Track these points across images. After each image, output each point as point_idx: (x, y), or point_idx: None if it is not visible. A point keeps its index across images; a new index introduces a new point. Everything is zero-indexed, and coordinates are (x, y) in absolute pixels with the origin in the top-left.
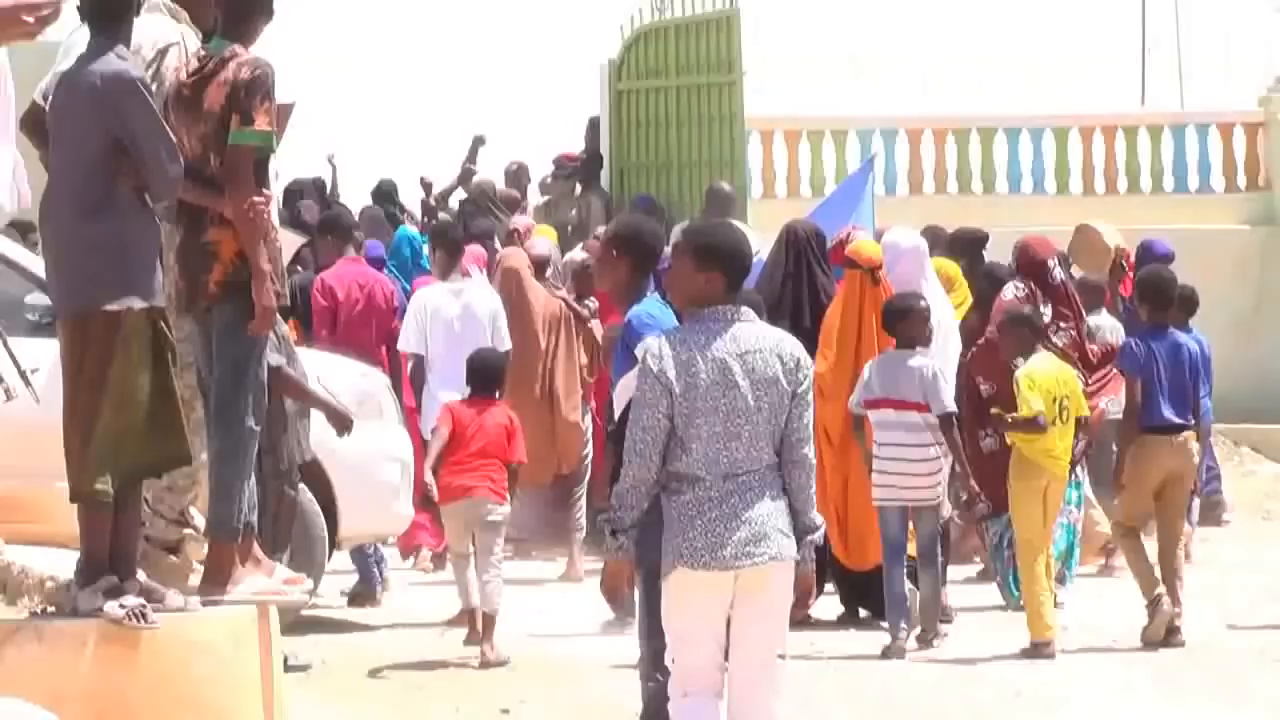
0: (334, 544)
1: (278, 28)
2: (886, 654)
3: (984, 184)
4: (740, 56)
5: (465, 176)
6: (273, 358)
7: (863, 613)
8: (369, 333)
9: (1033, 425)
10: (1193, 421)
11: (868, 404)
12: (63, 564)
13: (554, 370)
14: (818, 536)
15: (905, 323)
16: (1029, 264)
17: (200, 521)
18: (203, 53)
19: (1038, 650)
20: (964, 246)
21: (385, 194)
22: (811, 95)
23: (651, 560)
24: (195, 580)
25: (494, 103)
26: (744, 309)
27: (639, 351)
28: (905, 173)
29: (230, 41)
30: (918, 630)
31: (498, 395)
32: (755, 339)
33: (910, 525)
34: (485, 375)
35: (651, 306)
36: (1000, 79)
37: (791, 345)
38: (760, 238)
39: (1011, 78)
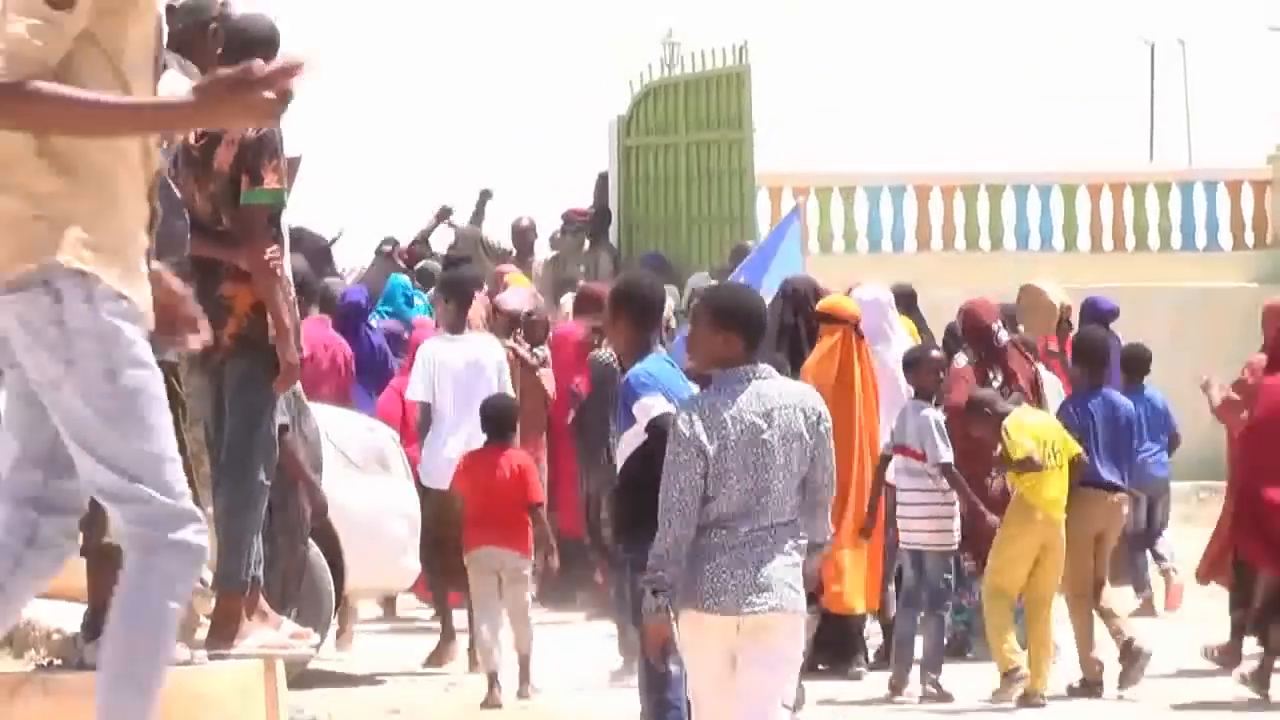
0: (340, 599)
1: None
2: (892, 692)
3: (992, 240)
4: (750, 112)
5: (442, 215)
6: (281, 416)
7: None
8: (326, 393)
9: (1029, 464)
10: (1125, 484)
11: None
12: (69, 617)
13: None
14: (826, 548)
15: (915, 372)
16: (974, 329)
17: (208, 575)
18: None
19: (1009, 682)
20: (896, 303)
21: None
22: (820, 151)
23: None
24: (202, 634)
25: (504, 157)
26: (764, 366)
27: (642, 410)
28: (913, 229)
29: None
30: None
31: (513, 439)
32: (779, 395)
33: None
34: (499, 421)
35: (652, 365)
36: (1009, 136)
37: (813, 400)
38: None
39: (1020, 134)
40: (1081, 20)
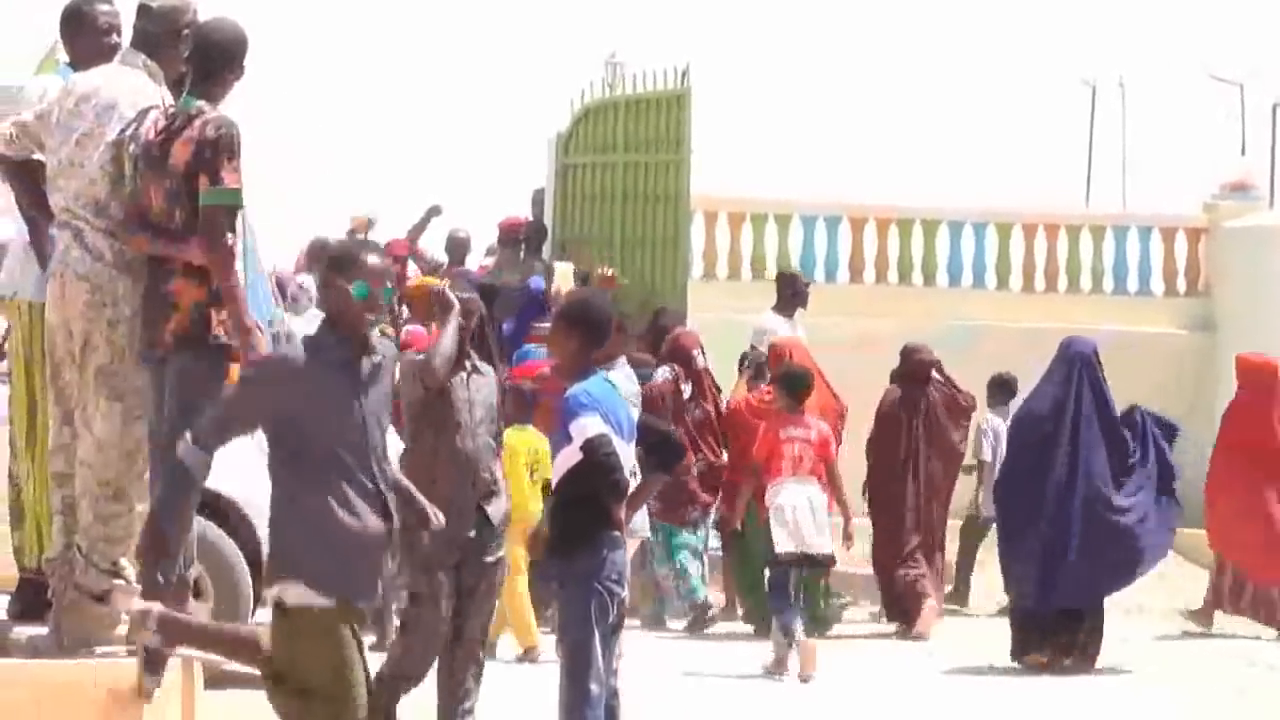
0: (258, 600)
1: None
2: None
3: (925, 275)
4: (689, 135)
5: (431, 214)
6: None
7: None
8: None
9: None
10: None
11: None
12: None
13: None
14: None
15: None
16: (677, 350)
17: (132, 572)
18: (170, 110)
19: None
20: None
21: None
22: (757, 177)
23: (572, 637)
24: (123, 630)
25: (443, 171)
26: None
27: (579, 430)
28: (846, 260)
29: (199, 98)
30: None
31: None
32: None
33: None
34: None
35: (593, 385)
36: (946, 171)
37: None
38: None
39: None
40: (1023, 59)
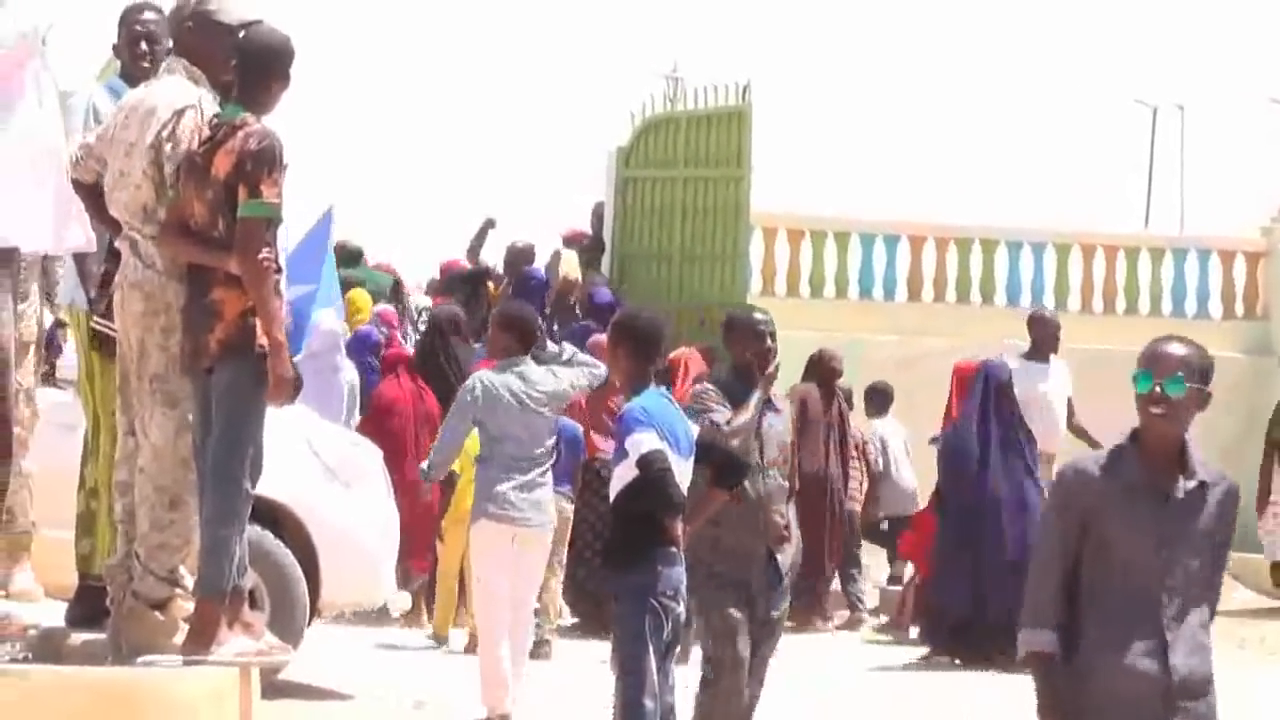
0: (314, 610)
1: (292, 110)
2: None
3: (983, 295)
4: (750, 151)
5: (487, 226)
6: None
7: None
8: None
9: None
10: None
11: None
12: (47, 613)
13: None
14: None
15: None
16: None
17: (189, 581)
18: (215, 120)
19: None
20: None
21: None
22: (816, 194)
23: (626, 652)
24: (180, 639)
25: (505, 184)
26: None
27: (634, 446)
28: (904, 279)
29: (245, 108)
30: None
31: None
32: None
33: None
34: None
35: (649, 400)
36: (1006, 191)
37: None
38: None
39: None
40: (1084, 81)
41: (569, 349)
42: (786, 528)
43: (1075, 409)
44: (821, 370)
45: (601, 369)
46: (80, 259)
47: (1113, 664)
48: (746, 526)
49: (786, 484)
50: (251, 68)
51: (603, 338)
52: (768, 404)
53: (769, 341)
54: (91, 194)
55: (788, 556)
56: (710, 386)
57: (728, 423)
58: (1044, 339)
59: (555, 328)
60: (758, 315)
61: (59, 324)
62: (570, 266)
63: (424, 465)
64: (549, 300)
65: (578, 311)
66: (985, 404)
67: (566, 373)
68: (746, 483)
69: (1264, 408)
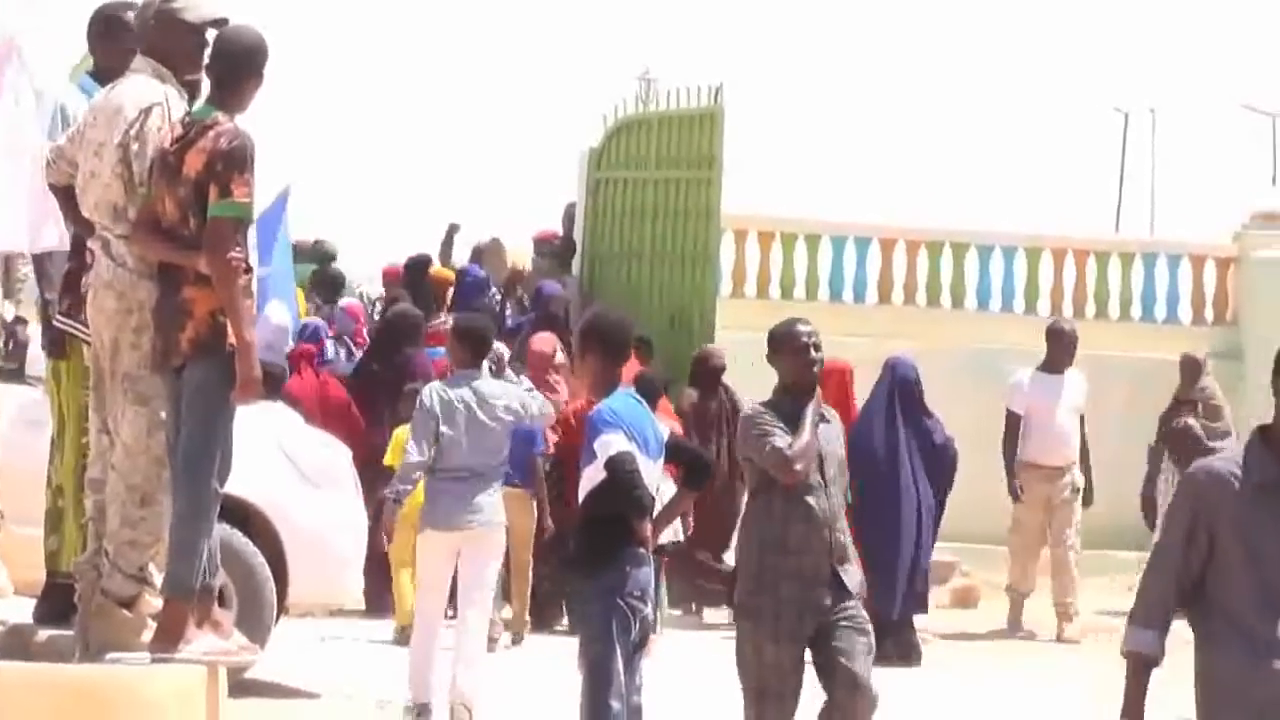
0: (282, 609)
1: (263, 106)
2: None
3: (953, 298)
4: (721, 153)
5: (452, 231)
6: None
7: None
8: None
9: None
10: None
11: None
12: (14, 611)
13: None
14: None
15: None
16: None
17: (158, 578)
18: (187, 118)
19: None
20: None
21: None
22: (787, 196)
23: (593, 652)
24: (148, 636)
25: (477, 185)
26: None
27: (603, 447)
28: (875, 282)
29: (218, 108)
30: None
31: None
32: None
33: None
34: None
35: (618, 402)
36: (976, 194)
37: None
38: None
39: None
40: (1056, 85)
41: (526, 382)
42: (848, 547)
43: (1086, 423)
44: (702, 370)
45: (550, 409)
46: (38, 259)
47: (1243, 664)
48: (812, 547)
49: (847, 500)
50: (225, 66)
51: (545, 337)
52: (820, 417)
53: (813, 353)
54: (65, 196)
55: (854, 577)
56: (763, 409)
57: (790, 446)
58: (1060, 351)
59: (507, 315)
60: (800, 327)
61: (19, 319)
62: (502, 257)
63: (388, 492)
64: (500, 290)
65: (525, 304)
66: (891, 400)
67: (519, 393)
68: (811, 500)
69: (1234, 413)
